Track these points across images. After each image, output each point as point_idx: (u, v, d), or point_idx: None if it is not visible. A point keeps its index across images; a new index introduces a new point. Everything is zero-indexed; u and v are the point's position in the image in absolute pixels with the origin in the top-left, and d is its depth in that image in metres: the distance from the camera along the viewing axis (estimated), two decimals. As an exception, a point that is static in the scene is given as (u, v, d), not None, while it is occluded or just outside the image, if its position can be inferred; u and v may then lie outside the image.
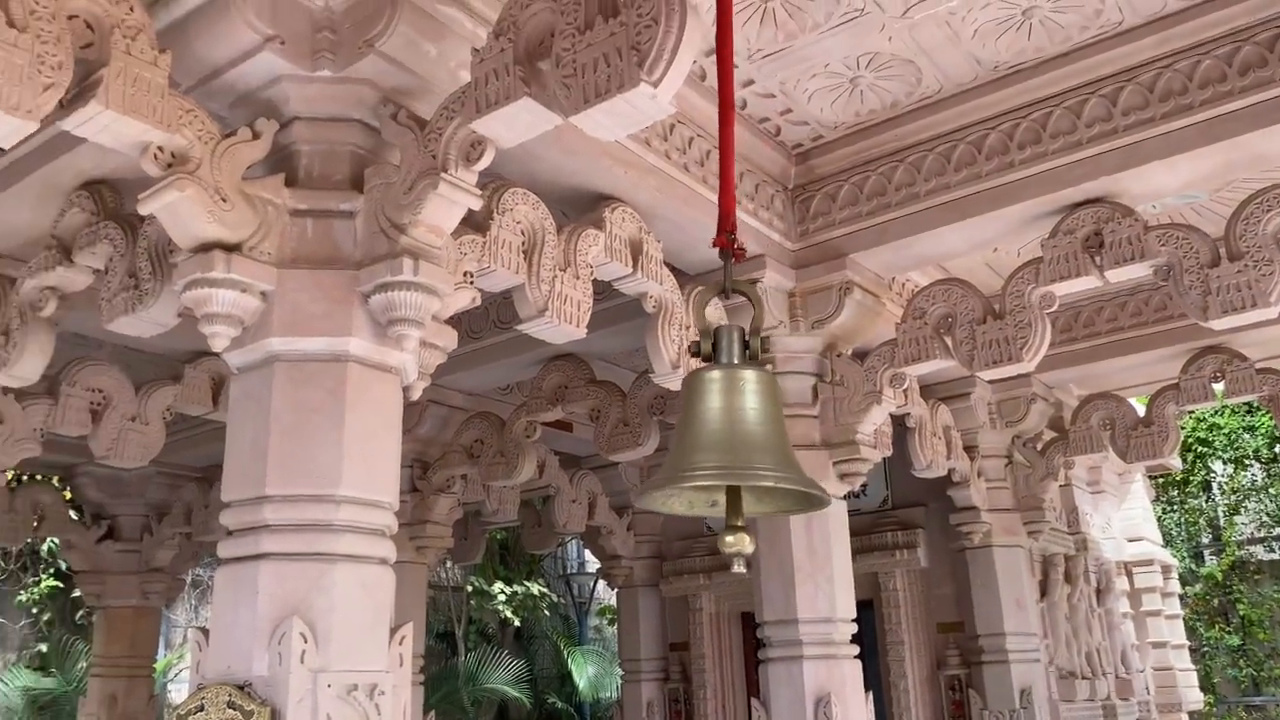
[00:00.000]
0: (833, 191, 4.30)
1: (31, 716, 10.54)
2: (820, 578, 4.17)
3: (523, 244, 3.20)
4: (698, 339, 1.81)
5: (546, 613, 14.13)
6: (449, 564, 11.76)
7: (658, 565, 7.33)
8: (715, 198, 3.78)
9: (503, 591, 13.29)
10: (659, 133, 3.66)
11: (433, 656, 11.72)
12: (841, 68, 3.79)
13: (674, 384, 3.85)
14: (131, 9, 2.30)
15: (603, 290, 3.70)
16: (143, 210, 2.43)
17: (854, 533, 4.60)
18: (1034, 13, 3.51)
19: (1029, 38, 3.64)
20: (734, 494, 1.75)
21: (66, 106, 2.23)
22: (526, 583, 13.78)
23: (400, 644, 2.50)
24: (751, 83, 3.84)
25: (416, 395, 2.86)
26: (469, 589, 13.23)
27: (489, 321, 5.19)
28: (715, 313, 3.95)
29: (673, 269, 3.87)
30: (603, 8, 2.19)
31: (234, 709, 2.25)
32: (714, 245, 1.83)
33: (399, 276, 2.51)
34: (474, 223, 2.94)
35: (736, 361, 1.80)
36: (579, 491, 6.68)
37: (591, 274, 3.44)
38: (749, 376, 1.78)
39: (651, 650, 7.25)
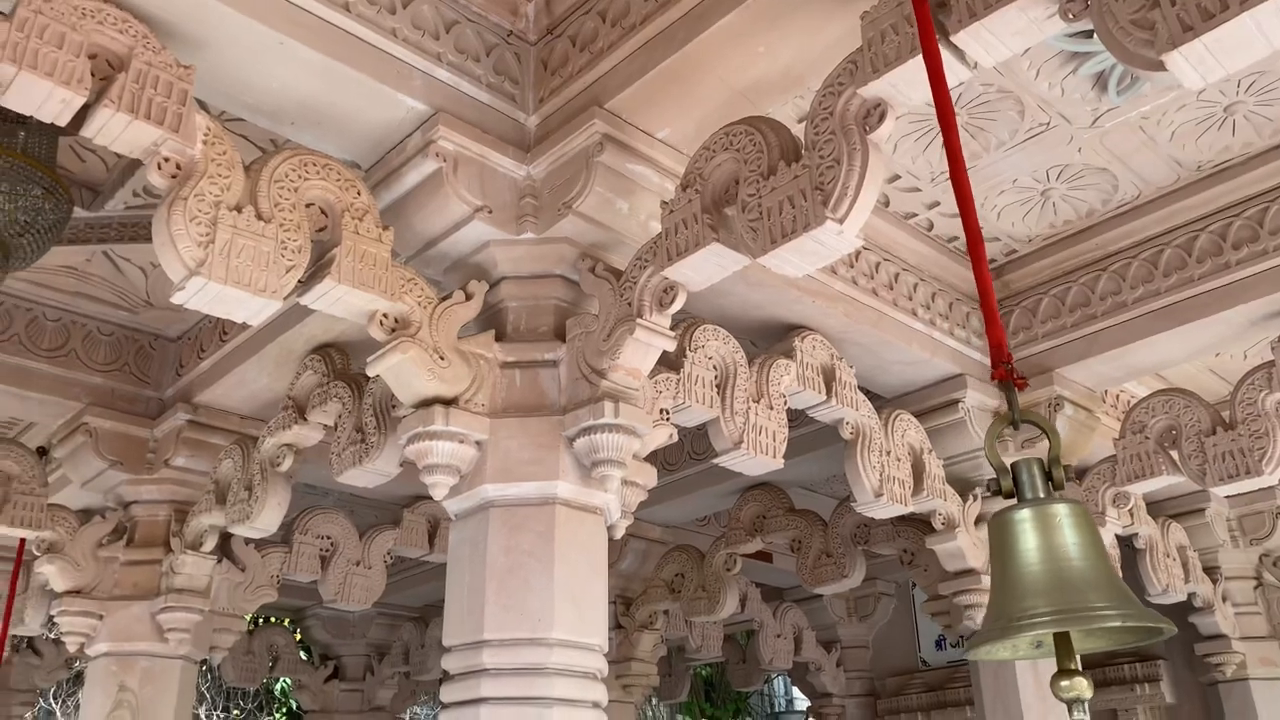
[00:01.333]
0: (1032, 305, 4.17)
1: None
2: (1052, 718, 3.86)
3: (715, 378, 3.25)
4: (996, 476, 1.76)
5: (756, 753, 13.63)
6: (654, 701, 11.59)
7: (872, 704, 6.98)
8: (904, 319, 3.80)
9: (710, 730, 12.94)
10: (846, 260, 3.68)
11: (642, 798, 11.46)
12: (1030, 181, 3.73)
13: (876, 512, 3.75)
14: (359, 193, 2.56)
15: (797, 416, 3.68)
16: (370, 372, 2.64)
17: (1086, 666, 4.24)
18: (1236, 109, 3.36)
19: (1233, 134, 3.48)
20: (1062, 637, 1.66)
21: (304, 284, 2.48)
22: (734, 721, 13.38)
23: (616, 790, 2.49)
24: (937, 204, 3.83)
25: (620, 534, 2.91)
26: (675, 727, 12.96)
27: (684, 454, 5.25)
28: (918, 436, 3.86)
29: (867, 393, 3.82)
30: (785, 154, 2.26)
31: None
32: (993, 379, 1.80)
33: (601, 419, 2.59)
34: (668, 361, 3.02)
35: (1043, 495, 1.73)
36: (783, 626, 6.51)
37: (785, 404, 3.45)
38: (1061, 511, 1.70)
39: (871, 795, 6.85)
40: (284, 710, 11.63)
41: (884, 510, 3.72)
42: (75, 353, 4.32)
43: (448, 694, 2.53)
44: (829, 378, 3.62)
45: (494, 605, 2.51)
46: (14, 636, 5.91)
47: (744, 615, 6.02)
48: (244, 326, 3.89)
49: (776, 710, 14.80)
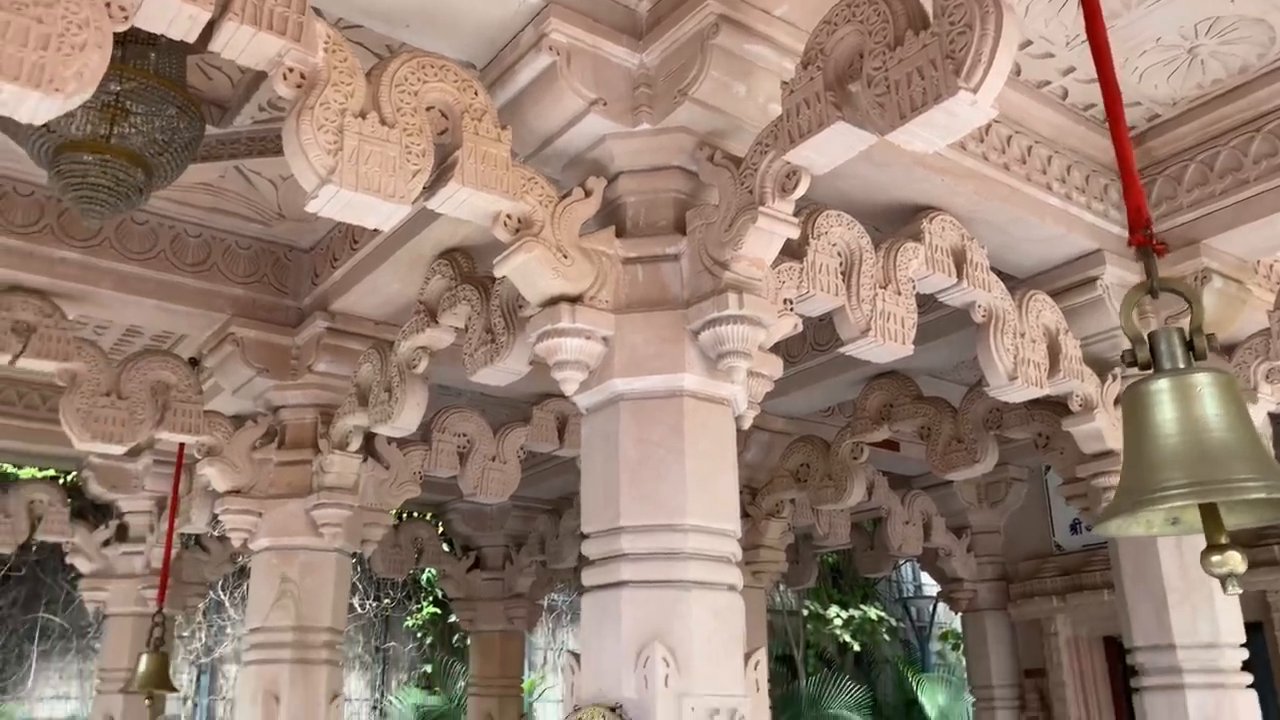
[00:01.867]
0: (1176, 173, 3.93)
1: (421, 731, 11.79)
2: (1198, 598, 3.76)
3: (840, 266, 3.19)
4: (1131, 348, 1.68)
5: (886, 637, 13.79)
6: (782, 587, 11.81)
7: (1004, 587, 6.95)
8: (1038, 194, 3.63)
9: (839, 616, 13.13)
10: (975, 135, 3.51)
11: (774, 680, 11.80)
12: (1176, 39, 3.46)
13: (1011, 396, 3.66)
14: (476, 93, 2.56)
15: (923, 302, 3.59)
16: (498, 273, 2.68)
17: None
18: None
19: None
20: (1210, 511, 1.60)
21: (430, 188, 2.52)
22: (863, 606, 13.53)
23: (755, 669, 2.56)
24: (1072, 70, 3.60)
25: (747, 424, 2.93)
26: (804, 613, 13.21)
27: (806, 345, 5.21)
28: (1054, 316, 3.73)
29: (999, 274, 3.69)
30: (912, 22, 2.15)
31: (608, 728, 2.40)
32: (1130, 244, 1.70)
33: (725, 311, 2.58)
34: (791, 250, 2.97)
35: (1182, 366, 1.65)
36: (912, 513, 6.49)
37: (913, 288, 3.36)
38: (1203, 381, 1.62)
39: (1004, 678, 6.88)
40: (431, 598, 12.30)
41: (1018, 394, 3.62)
42: (217, 266, 4.53)
43: (589, 578, 2.62)
44: (959, 259, 3.50)
45: (628, 495, 2.58)
46: (183, 534, 6.39)
47: (871, 503, 6.03)
48: (373, 235, 4.00)
49: (905, 595, 14.91)
